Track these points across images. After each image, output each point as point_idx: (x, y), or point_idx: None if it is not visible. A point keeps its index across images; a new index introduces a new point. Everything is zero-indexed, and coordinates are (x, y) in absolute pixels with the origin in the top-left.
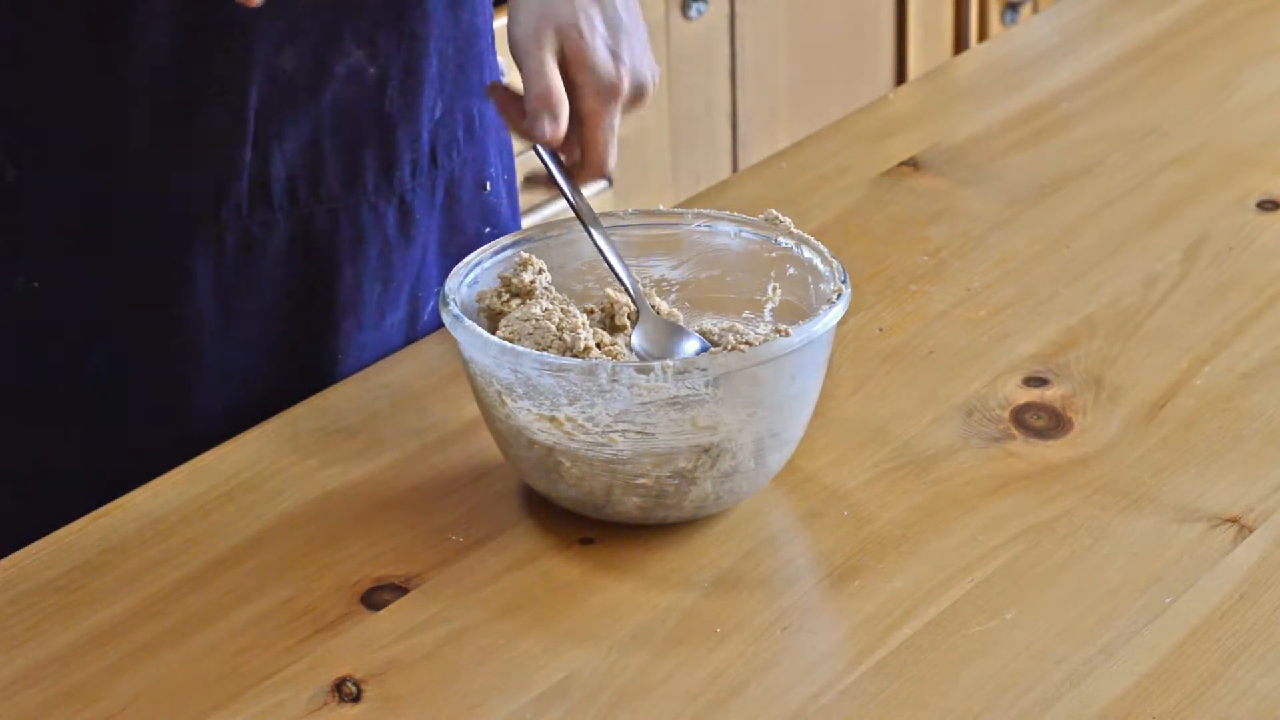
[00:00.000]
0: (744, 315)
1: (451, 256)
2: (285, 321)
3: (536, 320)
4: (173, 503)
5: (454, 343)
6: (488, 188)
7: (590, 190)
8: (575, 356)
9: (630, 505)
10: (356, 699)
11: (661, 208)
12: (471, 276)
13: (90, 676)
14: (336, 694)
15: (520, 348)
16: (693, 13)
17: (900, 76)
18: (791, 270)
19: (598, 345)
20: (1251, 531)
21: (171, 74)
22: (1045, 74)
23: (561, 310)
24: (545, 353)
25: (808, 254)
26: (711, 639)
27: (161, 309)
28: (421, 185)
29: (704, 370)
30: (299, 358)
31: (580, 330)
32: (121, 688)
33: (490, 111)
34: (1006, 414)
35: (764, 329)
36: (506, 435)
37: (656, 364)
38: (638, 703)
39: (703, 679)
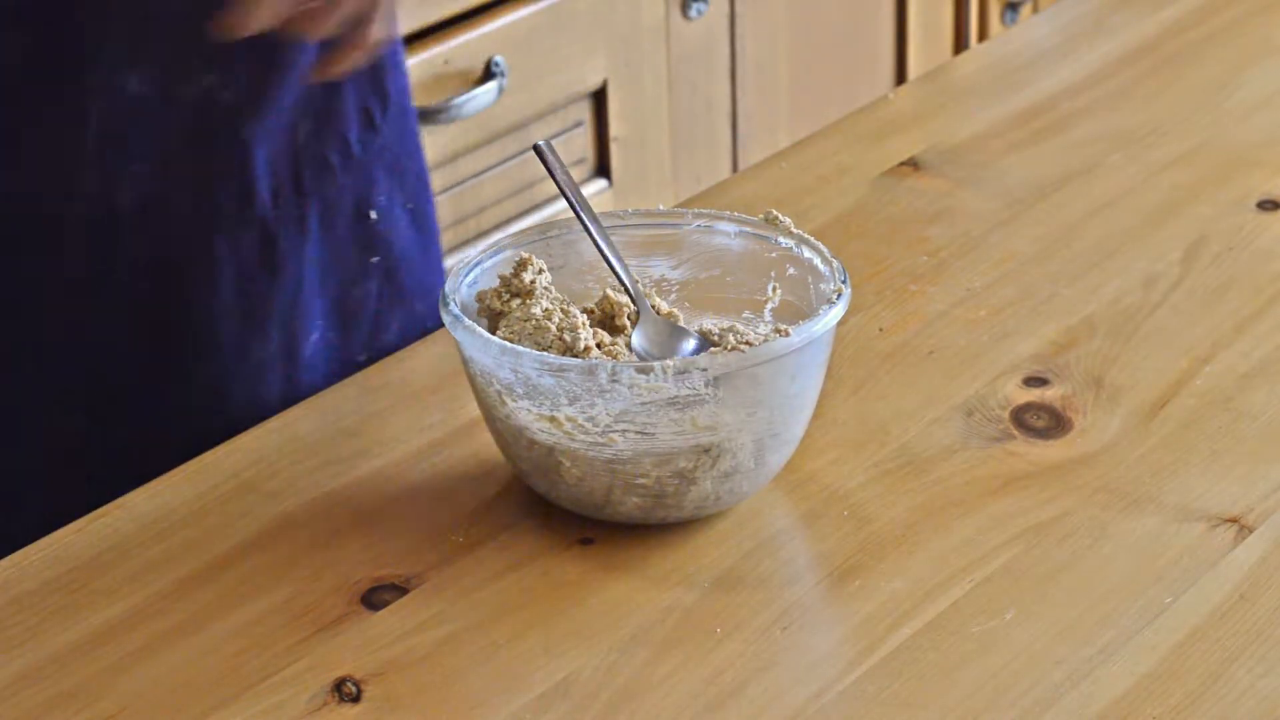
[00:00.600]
0: (744, 315)
1: (331, 288)
2: (127, 361)
3: (537, 320)
4: (172, 503)
5: (453, 343)
6: (373, 216)
7: (590, 190)
8: (575, 357)
9: (630, 505)
10: (356, 699)
11: (661, 207)
12: (471, 277)
13: (90, 676)
14: (336, 694)
15: (520, 348)
16: (693, 13)
17: (900, 76)
18: (792, 270)
19: (598, 345)
20: (1252, 531)
21: (13, 88)
22: (1045, 74)
23: (562, 310)
24: (545, 353)
25: (808, 254)
26: (711, 639)
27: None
28: (287, 214)
29: (704, 370)
30: (144, 395)
31: (580, 330)
32: (121, 688)
33: (393, 140)
34: (1006, 414)
35: (764, 329)
36: (506, 435)
37: (656, 364)
38: (638, 703)
39: (703, 679)
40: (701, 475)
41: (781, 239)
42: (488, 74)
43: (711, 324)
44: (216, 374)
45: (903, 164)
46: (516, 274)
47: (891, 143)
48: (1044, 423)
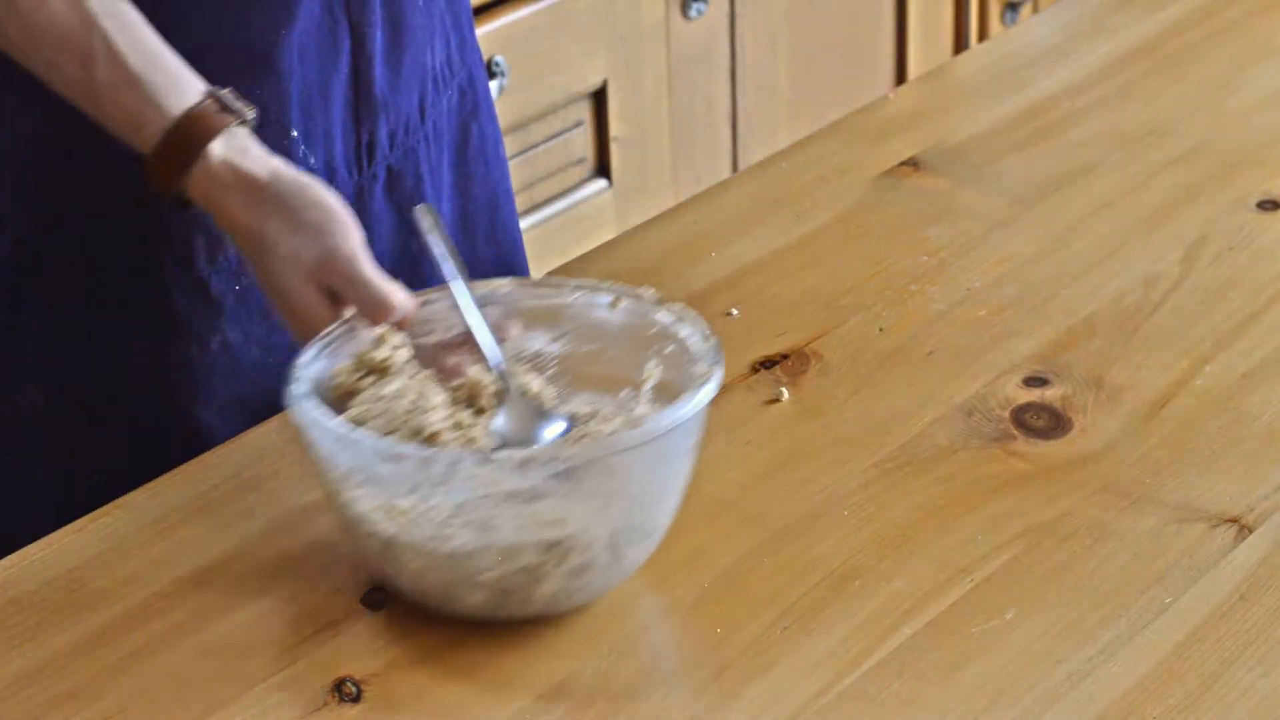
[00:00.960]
0: (623, 394)
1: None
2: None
3: (388, 400)
4: (173, 503)
5: None
6: (427, 189)
7: (590, 190)
8: (425, 440)
9: (475, 601)
10: (356, 699)
11: (540, 277)
12: (329, 349)
13: (91, 676)
14: (336, 694)
15: (357, 433)
16: (693, 13)
17: (900, 76)
18: (670, 347)
19: (456, 427)
20: (1251, 531)
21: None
22: (1045, 74)
23: (418, 390)
24: (382, 440)
25: (685, 331)
26: (712, 639)
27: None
28: (366, 183)
29: (547, 463)
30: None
31: (433, 412)
32: (122, 688)
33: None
34: (1006, 414)
35: (642, 409)
36: (346, 523)
37: (497, 455)
38: (637, 703)
39: (703, 679)
40: (549, 572)
41: (660, 314)
42: (488, 74)
43: (587, 404)
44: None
45: (903, 164)
46: (373, 349)
47: (891, 143)
48: (1044, 423)
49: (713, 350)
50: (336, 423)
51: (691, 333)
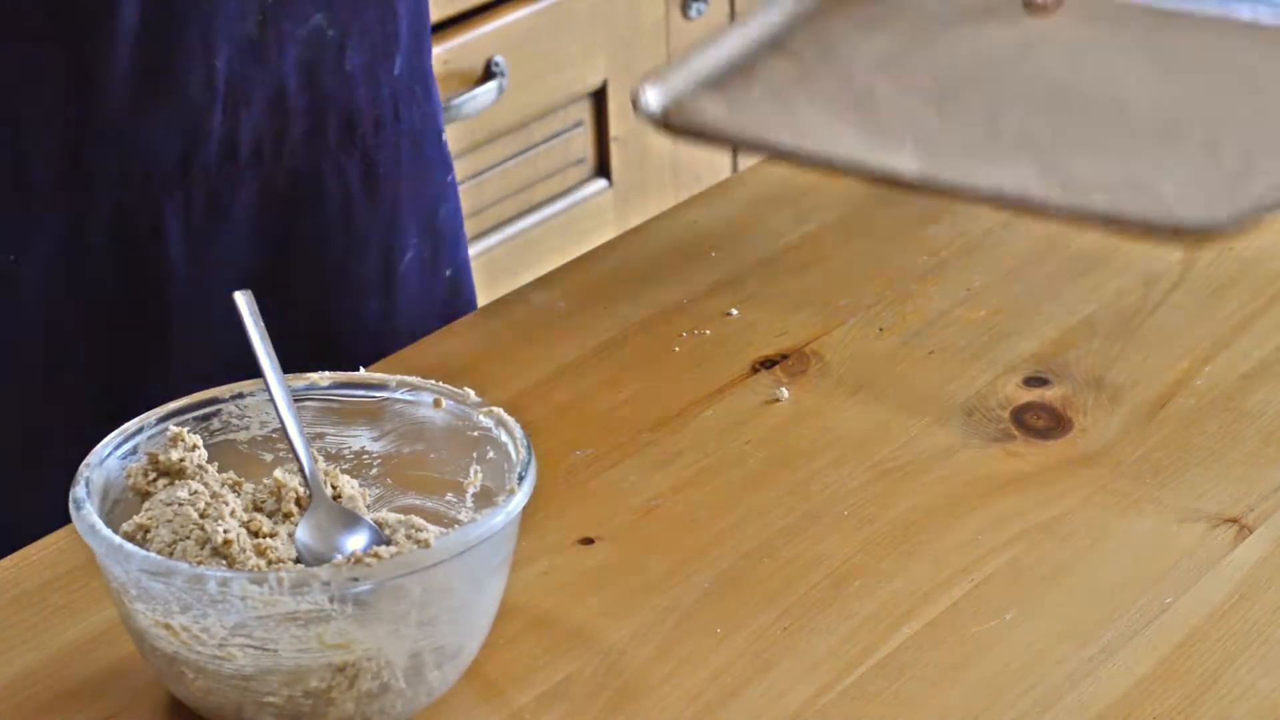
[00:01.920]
0: (447, 498)
1: (422, 209)
2: (251, 275)
3: (178, 505)
4: None
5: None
6: (444, 139)
7: (590, 190)
8: (215, 550)
9: None
10: None
11: (363, 372)
12: (129, 447)
13: (91, 676)
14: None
15: (128, 545)
16: (693, 13)
17: None
18: (491, 453)
19: (256, 535)
20: (1252, 532)
21: (145, 46)
22: None
23: (211, 494)
24: (151, 554)
25: (504, 437)
26: (711, 639)
27: (135, 265)
28: (385, 142)
29: (325, 584)
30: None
31: (223, 520)
32: (123, 687)
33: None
34: (1006, 414)
35: (465, 515)
36: (133, 636)
37: (270, 575)
38: (638, 703)
39: (703, 679)
40: (339, 696)
41: (481, 418)
42: (488, 74)
43: (400, 511)
44: (318, 295)
45: None
46: (165, 450)
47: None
48: (1044, 423)
49: (523, 460)
50: (108, 533)
51: (508, 440)
